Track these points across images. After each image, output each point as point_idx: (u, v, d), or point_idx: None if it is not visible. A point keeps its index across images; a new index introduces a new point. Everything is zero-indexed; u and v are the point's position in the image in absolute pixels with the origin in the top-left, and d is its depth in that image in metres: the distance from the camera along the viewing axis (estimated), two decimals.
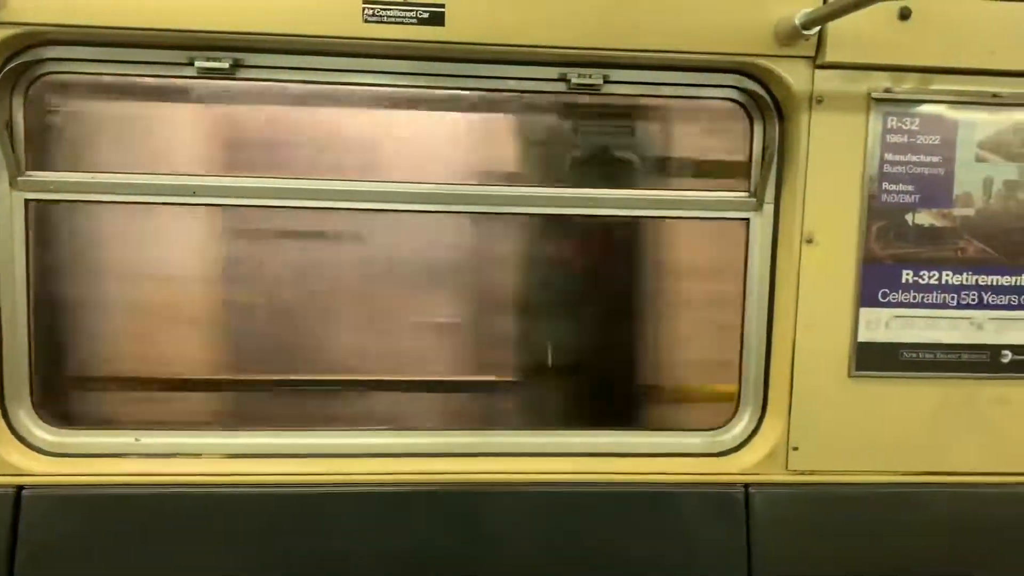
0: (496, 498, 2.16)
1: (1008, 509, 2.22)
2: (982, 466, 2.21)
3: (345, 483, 2.15)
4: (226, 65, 2.03)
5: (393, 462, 2.20)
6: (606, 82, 2.14)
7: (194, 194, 2.14)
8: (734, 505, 2.18)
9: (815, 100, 2.09)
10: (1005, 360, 2.18)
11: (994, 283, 2.16)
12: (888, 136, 2.12)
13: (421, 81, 2.14)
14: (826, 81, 2.08)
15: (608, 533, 2.18)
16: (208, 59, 2.03)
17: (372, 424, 2.33)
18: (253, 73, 2.07)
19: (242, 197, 2.17)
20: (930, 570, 2.20)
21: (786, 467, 2.19)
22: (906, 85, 2.11)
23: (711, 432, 2.30)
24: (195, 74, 2.04)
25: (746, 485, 2.19)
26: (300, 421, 2.33)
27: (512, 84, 2.16)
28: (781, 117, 2.17)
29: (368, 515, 2.14)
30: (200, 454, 2.20)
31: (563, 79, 2.14)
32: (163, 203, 2.15)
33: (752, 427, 2.27)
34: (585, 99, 2.28)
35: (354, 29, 1.97)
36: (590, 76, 2.13)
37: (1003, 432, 2.20)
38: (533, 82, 2.16)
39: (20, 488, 2.06)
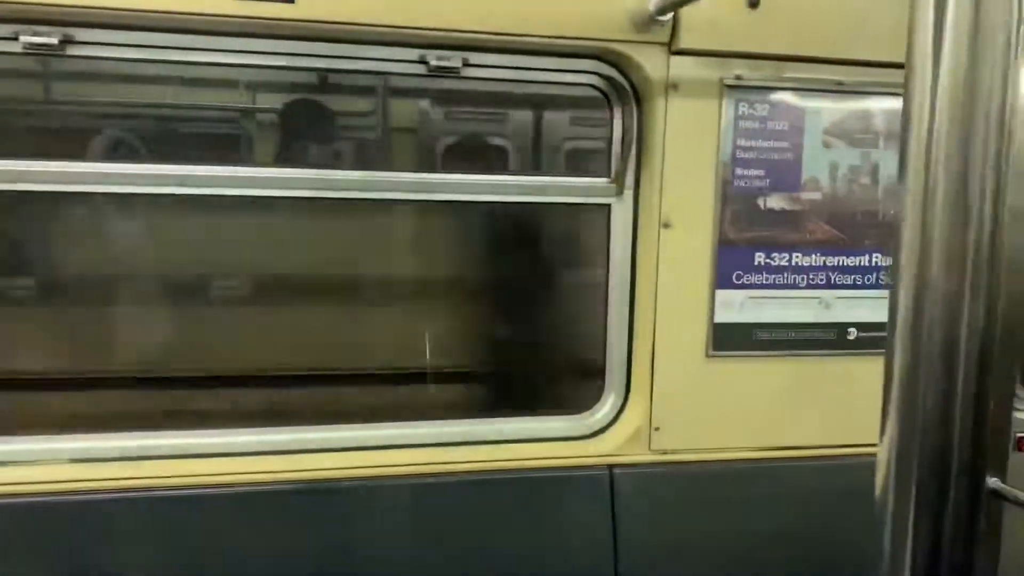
0: (358, 492, 2.12)
1: (856, 478, 2.32)
2: (833, 439, 2.31)
3: (200, 485, 2.06)
4: (55, 41, 1.90)
5: (247, 461, 2.11)
6: (465, 65, 2.11)
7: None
8: (600, 487, 2.21)
9: (670, 86, 2.12)
10: (851, 337, 2.28)
11: (841, 264, 2.26)
12: (740, 122, 2.18)
13: (271, 61, 2.05)
14: (680, 67, 2.12)
15: (478, 521, 2.17)
16: (35, 33, 1.89)
17: (227, 421, 2.24)
18: (84, 50, 1.94)
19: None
20: (790, 542, 2.29)
21: (649, 447, 2.23)
22: (756, 72, 2.17)
23: (576, 416, 2.32)
24: (20, 50, 1.90)
25: (611, 467, 2.22)
26: (150, 420, 2.22)
27: (370, 65, 2.11)
28: (639, 103, 2.19)
29: (224, 516, 2.05)
30: (44, 460, 2.06)
31: (422, 61, 2.10)
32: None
33: (616, 409, 2.30)
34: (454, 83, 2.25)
35: (195, 3, 1.87)
36: (449, 59, 2.10)
37: (851, 405, 2.30)
38: (391, 63, 2.10)
39: None
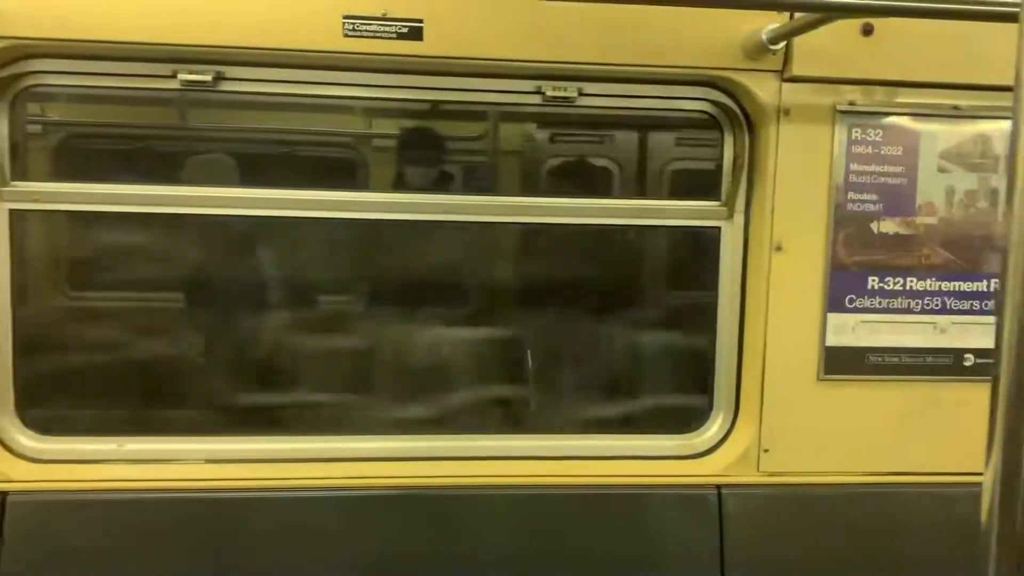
0: (469, 502, 2.21)
1: (970, 507, 2.28)
2: (944, 466, 2.27)
3: (321, 487, 2.19)
4: (209, 78, 2.08)
5: (370, 466, 2.23)
6: (580, 95, 2.20)
7: (178, 204, 2.18)
8: (707, 507, 2.23)
9: (783, 112, 2.16)
10: (967, 363, 2.25)
11: (956, 289, 2.24)
12: (853, 147, 2.19)
13: (399, 94, 2.19)
14: (793, 94, 2.15)
15: (582, 535, 2.23)
16: (191, 72, 2.07)
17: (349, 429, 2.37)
18: (235, 86, 2.11)
19: (227, 207, 2.21)
20: (897, 568, 2.26)
21: (758, 469, 2.25)
22: (869, 98, 2.18)
23: (685, 435, 2.36)
24: (178, 86, 2.09)
25: (719, 486, 2.24)
26: (282, 426, 2.37)
27: (489, 97, 2.22)
28: (751, 129, 2.24)
29: (346, 519, 2.17)
30: (182, 459, 2.23)
31: (538, 92, 2.20)
32: (148, 212, 2.19)
33: (725, 430, 2.32)
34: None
35: (334, 43, 2.02)
36: (565, 89, 2.19)
37: (963, 432, 2.26)
38: (509, 95, 2.21)
39: (5, 495, 2.08)
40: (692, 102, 2.25)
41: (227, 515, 2.15)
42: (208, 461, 2.22)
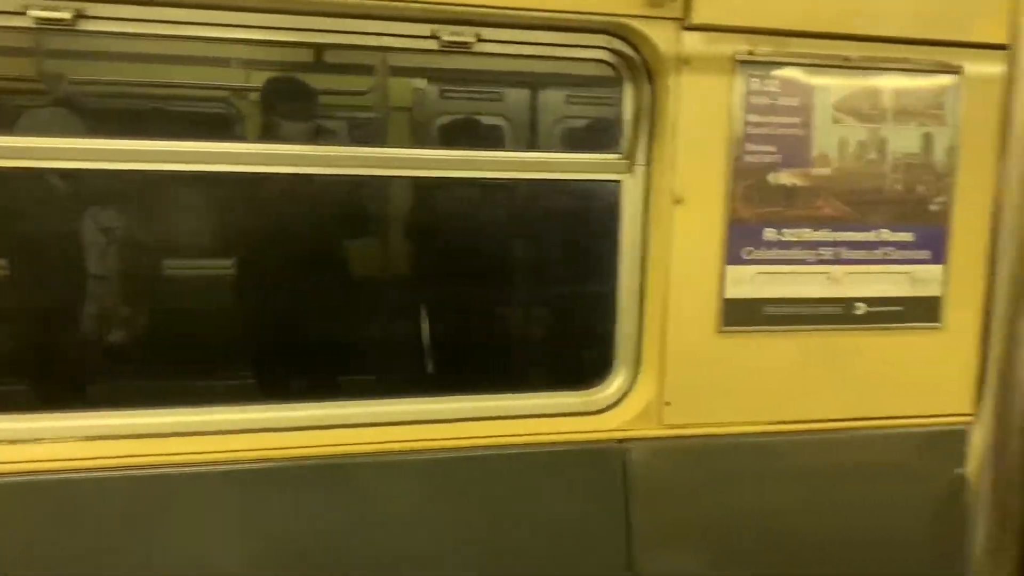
0: (366, 470, 2.12)
1: (865, 452, 2.36)
2: (841, 413, 2.34)
3: (209, 462, 2.05)
4: (67, 15, 1.86)
5: (263, 437, 2.11)
6: (479, 41, 2.10)
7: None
8: (611, 462, 2.23)
9: (682, 62, 2.12)
10: (859, 312, 2.30)
11: (848, 239, 2.28)
12: (751, 98, 2.18)
13: (282, 36, 2.03)
14: (692, 43, 2.12)
15: (488, 497, 2.19)
16: (45, 8, 1.85)
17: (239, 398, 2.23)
18: (97, 25, 1.90)
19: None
20: (799, 514, 2.32)
21: (660, 422, 2.25)
22: (767, 48, 2.17)
23: (588, 391, 2.33)
24: (31, 24, 1.86)
25: (622, 441, 2.24)
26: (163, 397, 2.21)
27: (381, 41, 2.09)
28: (651, 79, 2.19)
29: (239, 494, 2.05)
30: (52, 438, 2.04)
31: (434, 37, 2.08)
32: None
33: (627, 385, 2.31)
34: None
35: None
36: (462, 34, 2.08)
37: (859, 379, 2.33)
38: (403, 39, 2.09)
39: None
40: (591, 50, 2.19)
41: (110, 496, 1.99)
42: (87, 439, 2.04)
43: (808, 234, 2.26)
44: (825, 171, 2.24)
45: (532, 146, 2.37)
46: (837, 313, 2.30)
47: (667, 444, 2.25)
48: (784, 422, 2.31)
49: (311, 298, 2.67)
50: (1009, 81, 0.90)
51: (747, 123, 2.18)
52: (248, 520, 2.04)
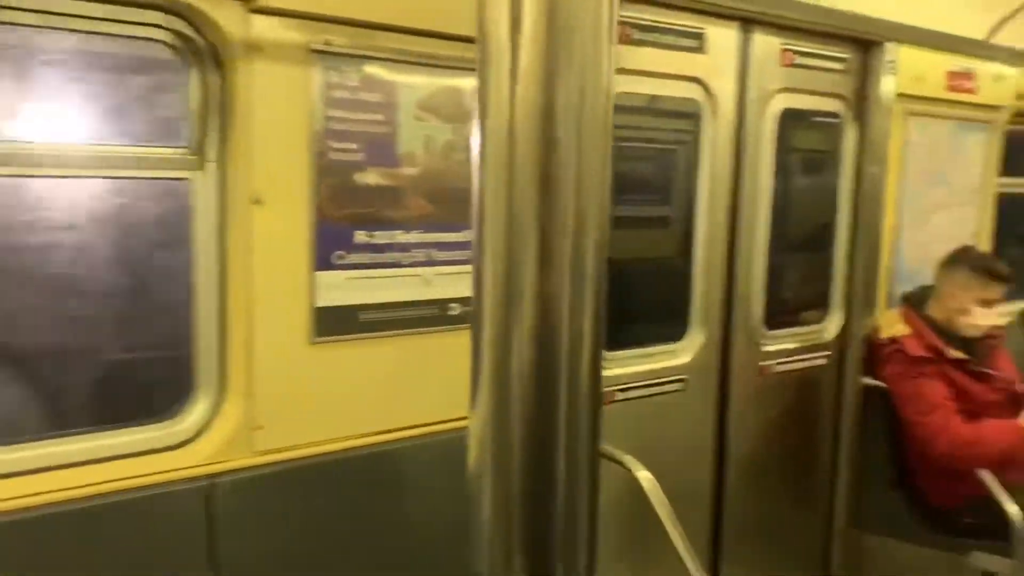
0: None
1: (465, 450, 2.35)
2: (442, 415, 2.30)
3: None
4: None
5: None
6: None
7: None
8: (197, 503, 1.95)
9: (252, 48, 1.91)
10: (452, 312, 2.29)
11: (439, 240, 2.25)
12: (332, 92, 2.04)
13: None
14: (262, 28, 1.91)
15: (76, 557, 1.80)
16: None
17: None
18: None
19: None
20: (408, 522, 2.24)
21: (252, 449, 2.02)
22: (346, 40, 2.04)
23: (165, 423, 2.01)
24: None
25: (210, 476, 1.97)
26: None
27: None
28: (219, 66, 1.95)
29: None
30: None
31: None
32: None
33: (211, 411, 2.04)
34: None
35: None
36: None
37: (458, 380, 2.31)
38: None
39: None
40: (145, 28, 1.88)
41: None
42: None
43: (401, 235, 2.18)
44: (412, 170, 2.18)
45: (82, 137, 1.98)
46: (433, 315, 2.25)
47: (260, 473, 2.03)
48: (385, 431, 2.21)
49: None
50: (480, 77, 0.86)
51: (328, 118, 2.04)
52: None
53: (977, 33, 3.69)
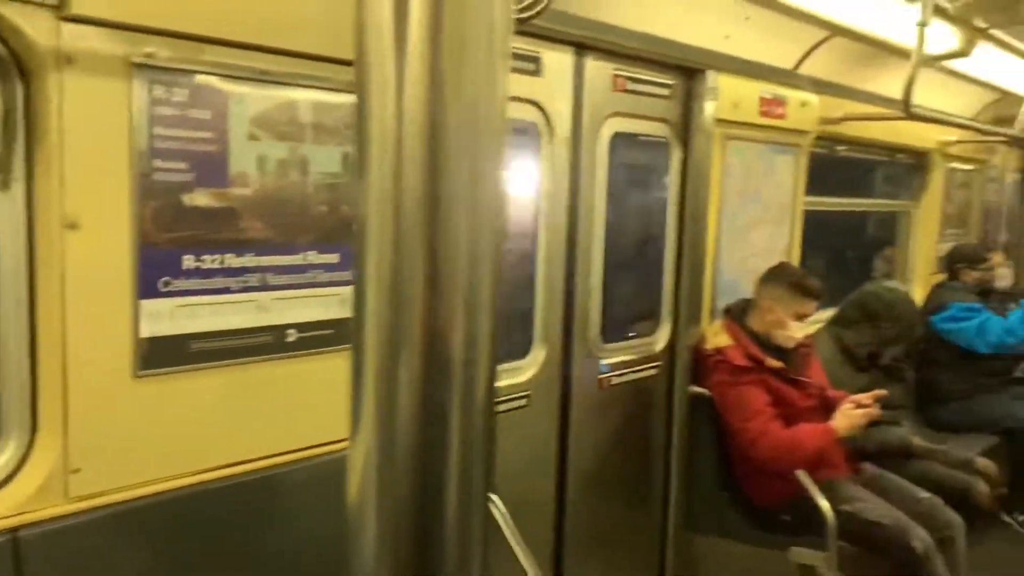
0: None
1: (312, 480, 2.25)
2: (283, 446, 2.20)
3: None
4: None
5: None
6: None
7: None
8: (1, 559, 1.76)
9: (64, 59, 1.75)
10: (290, 339, 2.19)
11: (274, 264, 2.15)
12: (157, 108, 1.91)
13: None
14: (76, 38, 1.76)
15: None
16: None
17: None
18: None
19: None
20: (242, 559, 2.13)
21: (67, 496, 1.85)
22: (172, 52, 1.92)
23: None
24: None
25: (14, 530, 1.78)
26: None
27: None
28: (25, 76, 1.78)
29: None
30: None
31: None
32: None
33: (20, 455, 1.85)
34: None
35: None
36: None
37: (295, 410, 2.22)
38: None
39: None
40: None
41: None
42: None
43: (232, 260, 2.07)
44: (245, 191, 2.07)
45: None
46: (268, 342, 2.15)
47: (77, 521, 1.86)
48: (219, 467, 2.08)
49: None
50: (360, 98, 0.83)
51: (153, 136, 1.91)
52: None
53: (786, 63, 3.99)
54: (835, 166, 5.11)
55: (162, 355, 1.96)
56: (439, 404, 0.88)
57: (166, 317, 1.96)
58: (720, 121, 3.54)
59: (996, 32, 4.17)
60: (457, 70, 0.80)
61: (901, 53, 3.65)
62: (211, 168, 2.01)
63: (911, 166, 5.73)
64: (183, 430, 2.02)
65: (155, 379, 1.96)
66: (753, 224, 3.93)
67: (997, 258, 5.36)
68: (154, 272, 1.93)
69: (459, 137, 0.82)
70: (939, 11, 3.60)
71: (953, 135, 5.55)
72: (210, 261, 2.03)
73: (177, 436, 2.01)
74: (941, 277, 5.38)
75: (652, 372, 3.58)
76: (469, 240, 0.84)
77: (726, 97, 3.53)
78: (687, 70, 3.44)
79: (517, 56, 2.79)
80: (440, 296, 0.84)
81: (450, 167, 0.81)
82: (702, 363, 3.54)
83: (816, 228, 5.40)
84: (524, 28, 2.72)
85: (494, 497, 2.31)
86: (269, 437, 2.17)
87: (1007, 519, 4.83)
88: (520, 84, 2.82)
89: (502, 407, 2.91)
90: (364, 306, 0.86)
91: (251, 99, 2.07)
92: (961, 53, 4.12)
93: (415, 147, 0.80)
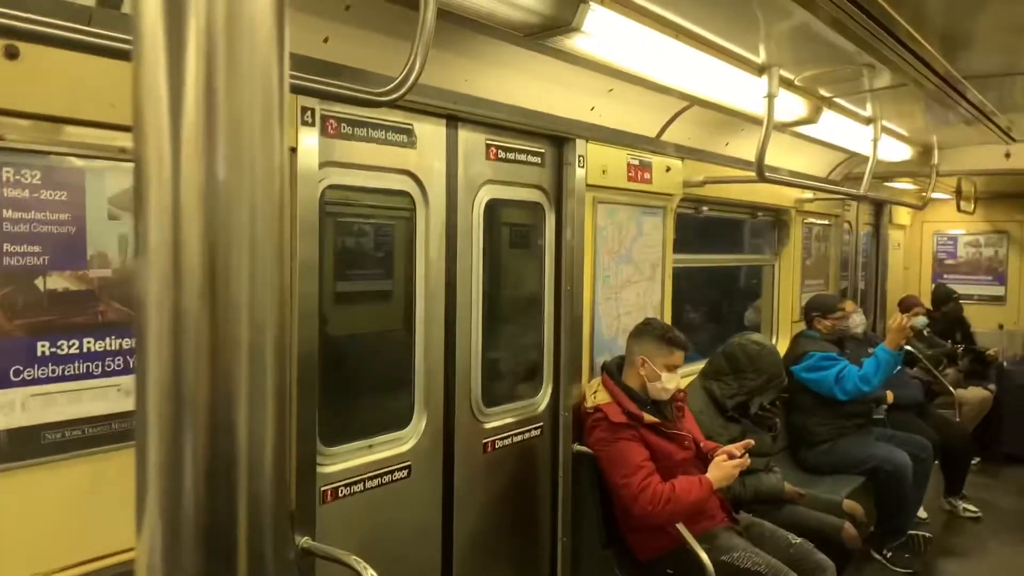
0: None
1: None
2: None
3: None
4: None
5: None
6: None
7: None
8: None
9: None
10: None
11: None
12: (6, 190, 1.84)
13: None
14: None
15: None
16: None
17: None
18: None
19: None
20: None
21: None
22: (24, 134, 1.86)
23: None
24: None
25: None
26: None
27: None
28: None
29: None
30: None
31: None
32: None
33: None
34: None
35: None
36: None
37: None
38: None
39: None
40: None
41: None
42: None
43: (92, 344, 2.00)
44: (105, 272, 2.01)
45: None
46: (133, 428, 2.06)
47: None
48: (85, 562, 1.96)
49: None
50: (137, 168, 0.80)
51: (2, 220, 1.83)
52: None
53: (650, 131, 4.20)
54: (707, 225, 5.38)
55: (14, 448, 1.86)
56: (225, 481, 0.84)
57: (19, 408, 1.86)
58: (590, 186, 3.68)
59: (840, 100, 4.52)
60: (234, 134, 0.79)
61: (756, 120, 3.90)
62: (68, 250, 1.94)
63: (772, 223, 6.09)
64: (43, 526, 1.90)
65: (8, 474, 1.84)
66: (626, 283, 4.08)
67: (849, 306, 5.67)
68: (7, 361, 1.84)
69: (237, 200, 0.80)
70: (786, 82, 3.88)
71: (808, 193, 5.94)
72: (68, 347, 1.94)
73: (37, 534, 1.89)
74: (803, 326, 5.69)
75: (536, 433, 3.62)
76: (251, 304, 0.82)
77: (595, 163, 3.68)
78: (556, 139, 3.57)
79: (390, 128, 2.84)
80: (222, 366, 0.82)
81: (230, 232, 0.80)
82: (583, 421, 3.61)
83: (693, 283, 5.63)
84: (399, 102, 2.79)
85: (371, 569, 2.26)
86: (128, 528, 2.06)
87: (876, 556, 5.07)
88: (394, 155, 2.87)
89: (383, 480, 2.88)
90: (145, 384, 0.83)
91: (110, 178, 2.02)
92: (809, 120, 4.45)
93: (192, 213, 0.78)
